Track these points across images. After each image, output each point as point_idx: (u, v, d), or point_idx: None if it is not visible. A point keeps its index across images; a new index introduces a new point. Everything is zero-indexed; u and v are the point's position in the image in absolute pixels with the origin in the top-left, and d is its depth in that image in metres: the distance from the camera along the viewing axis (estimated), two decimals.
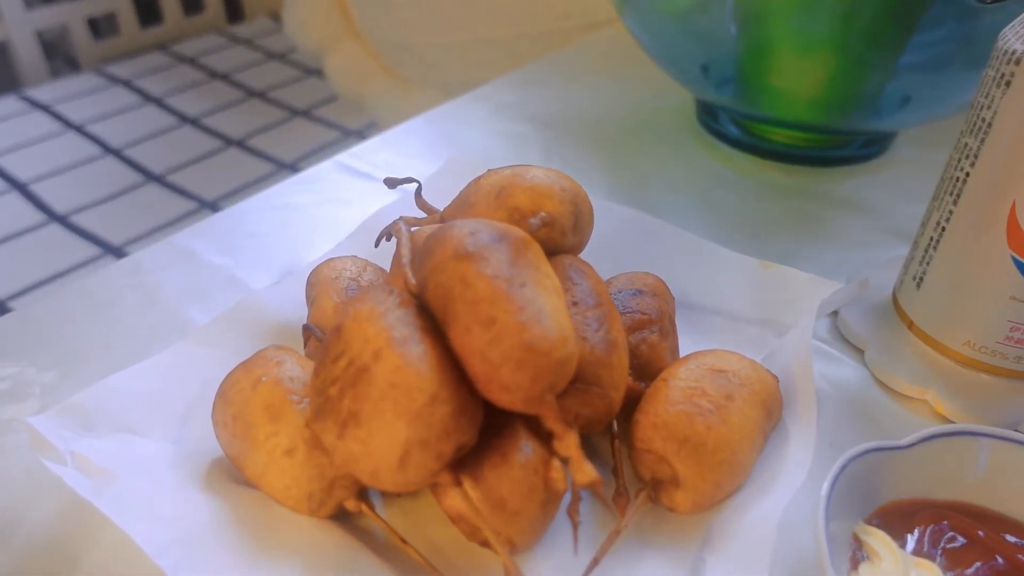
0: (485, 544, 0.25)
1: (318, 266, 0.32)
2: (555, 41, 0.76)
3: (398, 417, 0.21)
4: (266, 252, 0.41)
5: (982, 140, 0.29)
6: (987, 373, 0.32)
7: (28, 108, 1.00)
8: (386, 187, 0.33)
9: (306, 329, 0.29)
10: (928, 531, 0.25)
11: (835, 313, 0.37)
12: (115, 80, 1.09)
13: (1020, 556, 0.24)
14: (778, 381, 0.28)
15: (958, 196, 0.30)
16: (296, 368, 0.26)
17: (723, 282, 0.35)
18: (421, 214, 0.33)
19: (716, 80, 0.51)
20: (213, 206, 0.78)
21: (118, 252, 0.73)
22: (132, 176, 0.85)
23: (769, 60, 0.48)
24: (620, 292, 0.30)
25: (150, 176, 0.85)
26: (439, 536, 0.26)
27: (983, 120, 0.29)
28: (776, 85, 0.50)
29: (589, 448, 0.29)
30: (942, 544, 0.25)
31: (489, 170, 0.31)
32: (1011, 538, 0.25)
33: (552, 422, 0.22)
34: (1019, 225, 0.28)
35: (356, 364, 0.22)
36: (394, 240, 0.33)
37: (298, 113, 1.00)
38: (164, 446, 0.27)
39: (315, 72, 1.11)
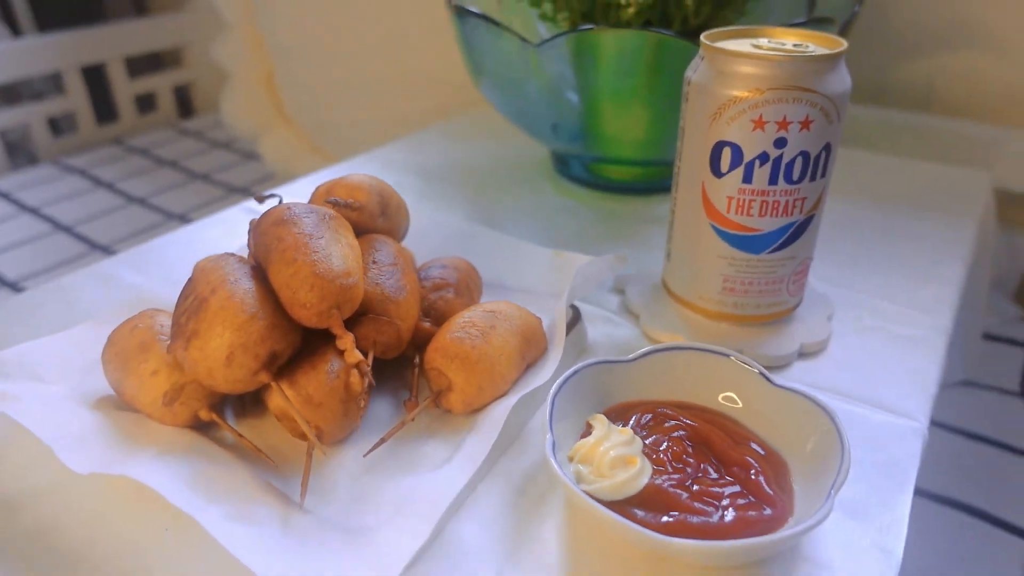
0: (304, 438, 0.33)
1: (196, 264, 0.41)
2: (455, 114, 0.88)
3: (225, 328, 0.30)
4: (175, 275, 0.50)
5: (682, 142, 0.40)
6: (715, 319, 0.41)
7: None
8: (256, 202, 0.43)
9: None
10: (641, 418, 0.34)
11: (624, 293, 0.47)
12: (70, 169, 1.20)
13: (703, 423, 0.33)
14: (541, 321, 0.38)
15: (677, 185, 0.41)
16: (166, 321, 0.35)
17: (526, 268, 0.45)
18: None
19: (564, 135, 0.63)
20: None
21: None
22: (79, 247, 0.94)
23: (602, 114, 0.59)
24: (429, 267, 0.40)
25: (95, 246, 0.94)
26: (275, 440, 0.34)
27: (681, 128, 0.40)
28: (610, 132, 0.62)
29: (398, 379, 0.37)
30: (646, 422, 0.34)
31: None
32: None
33: (336, 328, 0.31)
34: (710, 200, 0.38)
35: (198, 298, 0.31)
36: None
37: (236, 190, 1.10)
38: (65, 389, 0.35)
39: (255, 157, 1.22)
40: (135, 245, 0.53)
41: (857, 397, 0.38)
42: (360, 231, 0.38)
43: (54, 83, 1.43)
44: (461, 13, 0.55)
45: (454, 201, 0.62)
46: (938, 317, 0.45)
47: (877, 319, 0.44)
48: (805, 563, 0.29)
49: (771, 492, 0.30)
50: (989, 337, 0.75)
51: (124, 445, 0.31)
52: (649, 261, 0.50)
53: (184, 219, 1.00)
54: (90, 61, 1.33)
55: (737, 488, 0.30)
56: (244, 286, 0.32)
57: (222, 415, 0.34)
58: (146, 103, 1.45)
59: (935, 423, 0.63)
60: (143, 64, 1.49)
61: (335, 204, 0.35)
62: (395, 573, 0.26)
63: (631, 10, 0.52)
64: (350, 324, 0.33)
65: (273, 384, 0.31)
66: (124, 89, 1.39)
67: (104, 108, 1.37)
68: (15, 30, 1.44)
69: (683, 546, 0.27)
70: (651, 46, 0.50)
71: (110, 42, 1.36)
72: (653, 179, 0.64)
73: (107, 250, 0.93)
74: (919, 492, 0.56)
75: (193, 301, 0.31)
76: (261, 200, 0.43)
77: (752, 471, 0.31)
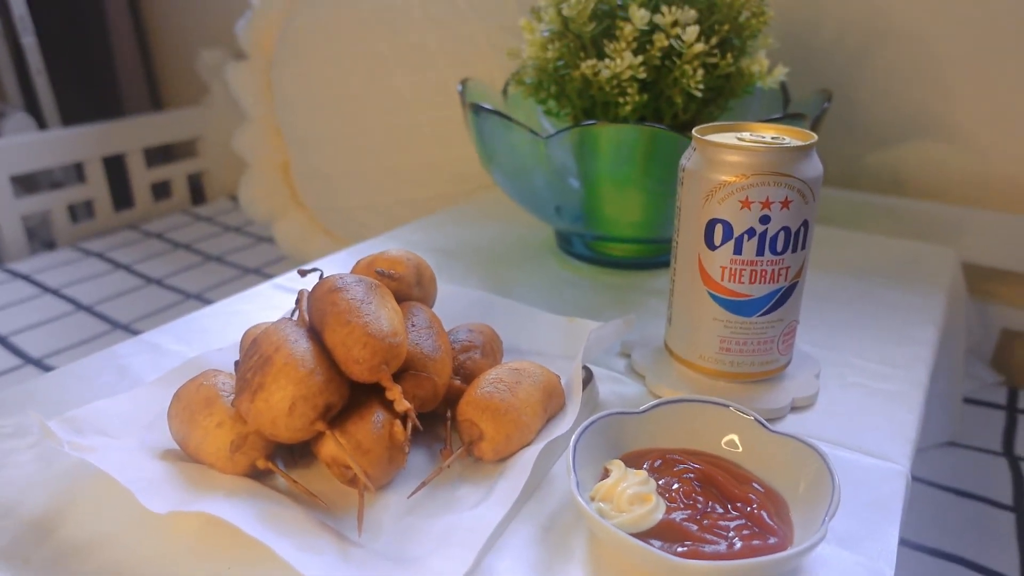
0: (352, 483, 0.36)
1: (247, 331, 0.45)
2: (459, 200, 0.95)
3: (288, 382, 0.34)
4: (218, 344, 0.54)
5: (679, 219, 0.45)
6: (714, 377, 0.46)
7: (9, 278, 1.14)
8: (299, 275, 0.48)
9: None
10: (654, 463, 0.38)
11: (629, 357, 0.51)
12: (89, 253, 1.25)
13: (709, 466, 0.37)
14: (559, 378, 0.42)
15: (675, 257, 0.46)
16: (227, 380, 0.39)
17: (542, 333, 0.50)
18: None
19: (568, 217, 0.69)
20: None
21: None
22: (101, 326, 0.98)
23: (602, 198, 0.66)
24: (458, 330, 0.45)
25: (116, 325, 0.98)
26: (322, 488, 0.37)
27: (678, 208, 0.45)
28: (609, 213, 0.68)
29: (431, 433, 0.41)
30: (657, 466, 0.38)
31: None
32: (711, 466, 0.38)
33: (386, 382, 0.35)
34: (705, 270, 0.44)
35: (263, 356, 0.36)
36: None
37: (250, 271, 1.15)
38: (131, 443, 0.39)
39: (267, 239, 1.28)
40: (159, 324, 0.57)
41: (845, 444, 0.42)
42: (398, 299, 0.42)
43: (74, 172, 1.51)
44: (477, 110, 0.62)
45: (468, 276, 0.67)
46: (914, 373, 0.49)
47: (860, 376, 0.49)
48: None
49: (773, 524, 0.34)
50: (970, 401, 0.80)
51: (194, 488, 0.35)
52: (650, 327, 0.54)
53: (201, 298, 1.05)
54: (110, 152, 1.41)
55: (742, 521, 0.34)
56: (303, 346, 0.36)
57: (276, 465, 0.37)
58: (161, 190, 1.52)
59: (924, 481, 0.67)
60: (158, 154, 1.58)
61: (381, 274, 0.40)
62: None
63: (627, 107, 0.59)
64: (393, 380, 0.38)
65: (328, 432, 0.35)
66: (141, 178, 1.46)
67: (121, 195, 1.44)
68: (41, 124, 1.52)
69: (698, 568, 0.30)
70: (645, 138, 0.57)
71: (129, 135, 1.44)
72: (649, 255, 0.69)
73: (128, 328, 0.97)
74: (909, 544, 0.59)
75: (258, 359, 0.36)
76: (304, 274, 0.48)
77: (754, 506, 0.35)
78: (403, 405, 0.34)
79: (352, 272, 0.45)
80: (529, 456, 0.37)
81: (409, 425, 0.36)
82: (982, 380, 0.84)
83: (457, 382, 0.41)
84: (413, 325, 0.40)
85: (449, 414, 0.40)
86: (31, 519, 0.37)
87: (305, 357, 0.35)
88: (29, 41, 1.48)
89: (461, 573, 0.31)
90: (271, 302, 0.61)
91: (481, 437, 0.38)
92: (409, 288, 0.43)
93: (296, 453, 0.40)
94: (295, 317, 0.44)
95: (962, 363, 0.75)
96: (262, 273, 1.14)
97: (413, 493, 0.36)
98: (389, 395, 0.35)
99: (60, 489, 0.39)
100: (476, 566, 0.32)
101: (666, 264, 0.68)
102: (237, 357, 0.46)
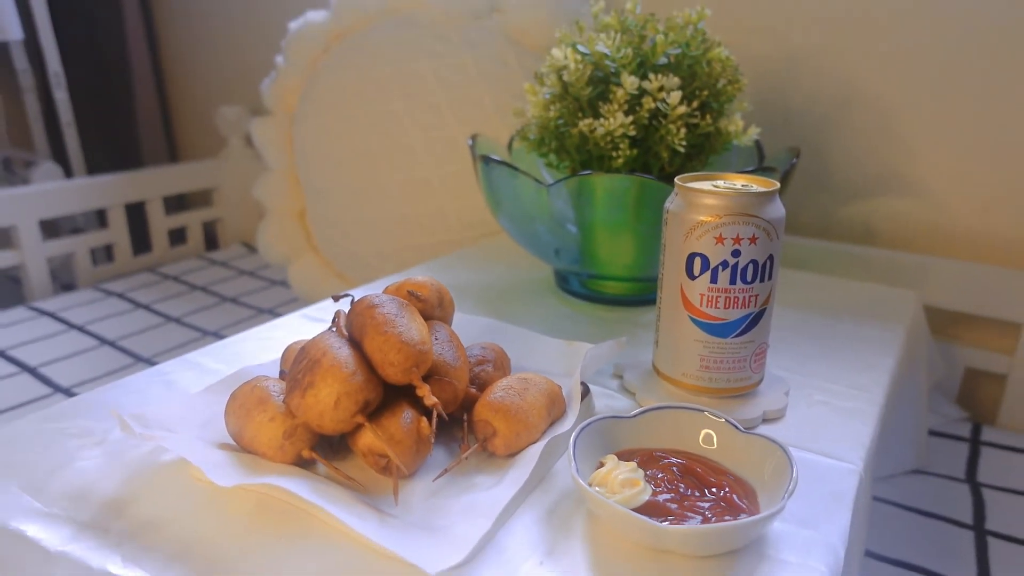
0: (385, 472, 0.43)
1: (288, 346, 0.52)
2: (465, 245, 1.02)
3: (334, 381, 0.41)
4: (255, 362, 0.60)
5: (664, 255, 0.52)
6: (695, 392, 0.53)
7: (35, 315, 1.20)
8: (332, 300, 0.54)
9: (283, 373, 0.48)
10: (642, 459, 0.44)
11: (622, 377, 0.58)
12: (110, 293, 1.32)
13: (689, 460, 0.43)
14: (561, 388, 0.49)
15: (661, 288, 0.53)
16: (276, 384, 0.45)
17: (545, 354, 0.56)
18: None
19: (566, 258, 0.76)
20: None
21: None
22: (125, 359, 1.04)
23: (597, 241, 0.73)
24: (472, 348, 0.51)
25: (139, 359, 1.04)
26: (357, 478, 0.44)
27: (663, 245, 0.53)
28: (603, 255, 0.75)
29: (450, 435, 0.48)
30: (645, 460, 0.44)
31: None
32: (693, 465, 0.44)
33: (416, 382, 0.42)
34: (687, 297, 0.51)
35: (311, 359, 0.42)
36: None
37: (264, 311, 1.22)
38: (191, 436, 0.45)
39: (279, 283, 1.35)
40: (181, 354, 0.64)
41: (809, 449, 0.49)
42: (423, 317, 0.49)
43: (95, 218, 1.58)
44: (487, 161, 0.70)
45: (475, 311, 0.74)
46: (873, 395, 0.56)
47: (825, 396, 0.56)
48: (768, 560, 0.39)
49: (742, 504, 0.40)
50: (937, 434, 0.86)
51: (252, 469, 0.41)
52: (640, 354, 0.61)
53: (219, 336, 1.11)
54: (132, 200, 1.49)
55: (716, 502, 0.40)
56: (345, 352, 0.43)
57: (319, 455, 0.43)
58: (177, 236, 1.59)
59: (891, 503, 0.72)
60: (175, 202, 1.66)
61: (410, 295, 0.48)
62: (467, 549, 0.36)
63: (620, 161, 0.67)
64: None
65: (367, 424, 0.41)
66: (159, 223, 1.54)
67: (140, 240, 1.51)
68: (68, 172, 1.61)
69: (677, 531, 0.36)
70: (636, 187, 0.65)
71: (150, 184, 1.53)
72: (639, 293, 0.77)
73: (151, 362, 1.02)
74: (875, 556, 0.65)
75: (307, 363, 0.42)
76: (337, 299, 0.55)
77: (727, 490, 0.41)
78: (431, 400, 0.41)
79: (387, 288, 0.52)
80: (535, 450, 0.43)
81: (435, 418, 0.42)
82: (948, 416, 0.90)
83: (473, 390, 0.48)
84: (436, 339, 0.47)
85: (466, 417, 0.47)
86: (107, 500, 0.43)
87: (348, 361, 0.42)
88: (61, 96, 1.58)
89: (479, 536, 0.37)
90: (300, 330, 0.68)
91: (494, 434, 0.44)
92: (432, 308, 0.50)
93: (334, 449, 0.46)
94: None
95: (926, 397, 0.81)
96: (275, 314, 1.20)
97: (437, 477, 0.42)
98: (419, 392, 0.41)
99: (128, 477, 0.44)
100: (494, 532, 0.38)
101: (654, 301, 0.75)
102: (275, 372, 0.53)
